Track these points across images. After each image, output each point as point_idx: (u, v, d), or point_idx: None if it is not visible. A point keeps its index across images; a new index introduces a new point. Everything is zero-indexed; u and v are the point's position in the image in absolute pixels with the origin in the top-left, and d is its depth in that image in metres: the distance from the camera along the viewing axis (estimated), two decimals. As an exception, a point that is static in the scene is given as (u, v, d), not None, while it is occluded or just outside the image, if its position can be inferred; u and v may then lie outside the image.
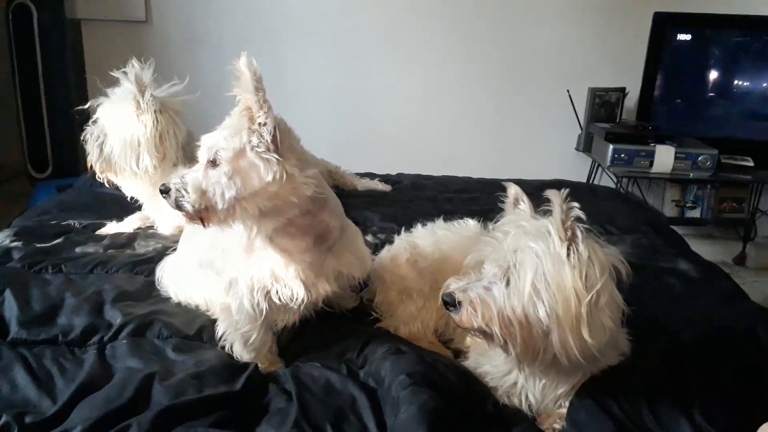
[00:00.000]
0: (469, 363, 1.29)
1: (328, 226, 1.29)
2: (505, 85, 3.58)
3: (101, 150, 1.86)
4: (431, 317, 1.45)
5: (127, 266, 1.72)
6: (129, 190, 1.99)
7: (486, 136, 3.66)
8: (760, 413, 1.05)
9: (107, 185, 1.98)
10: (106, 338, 1.38)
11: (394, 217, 2.09)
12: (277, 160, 1.15)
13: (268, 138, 1.14)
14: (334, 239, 1.32)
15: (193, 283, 1.52)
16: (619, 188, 3.21)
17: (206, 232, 1.25)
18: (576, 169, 3.54)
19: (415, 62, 3.55)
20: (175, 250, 1.65)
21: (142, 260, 1.75)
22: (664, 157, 3.09)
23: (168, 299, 1.56)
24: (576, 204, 1.05)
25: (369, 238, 1.88)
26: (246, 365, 1.28)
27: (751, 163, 3.24)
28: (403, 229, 1.64)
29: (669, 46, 3.25)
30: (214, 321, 1.40)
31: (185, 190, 1.17)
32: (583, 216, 1.05)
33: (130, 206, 2.07)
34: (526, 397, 1.19)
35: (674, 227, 2.35)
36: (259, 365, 1.30)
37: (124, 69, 1.85)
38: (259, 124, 1.14)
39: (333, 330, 1.44)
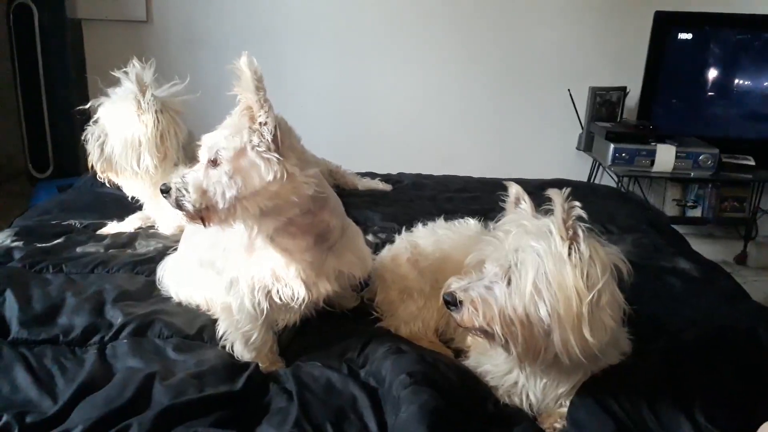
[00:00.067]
0: (470, 362, 1.29)
1: (329, 226, 1.29)
2: (505, 84, 3.57)
3: (102, 150, 1.87)
4: (432, 317, 1.45)
5: (128, 266, 1.72)
6: (130, 189, 1.99)
7: (487, 136, 3.66)
8: (761, 413, 1.05)
9: (108, 185, 1.98)
10: (106, 338, 1.38)
11: (394, 216, 2.09)
12: (278, 159, 1.15)
13: (269, 137, 1.14)
14: (335, 239, 1.32)
15: (193, 283, 1.52)
16: (620, 187, 3.21)
17: (207, 232, 1.25)
18: (577, 168, 3.54)
19: (415, 62, 3.55)
20: (175, 249, 1.66)
21: (142, 260, 1.75)
22: (665, 157, 3.09)
23: (169, 299, 1.56)
24: (577, 203, 1.05)
25: (370, 237, 1.88)
26: (247, 365, 1.28)
27: (752, 162, 3.23)
28: (403, 228, 1.64)
29: (670, 45, 3.24)
30: (215, 320, 1.40)
31: (186, 189, 1.17)
32: (584, 215, 1.05)
33: (131, 206, 2.07)
34: (527, 396, 1.19)
35: (675, 226, 2.35)
36: (260, 365, 1.30)
37: (124, 69, 1.85)
38: (260, 123, 1.14)
39: (334, 329, 1.44)
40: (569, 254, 1.03)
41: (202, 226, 1.20)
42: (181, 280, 1.56)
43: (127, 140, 1.83)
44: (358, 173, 2.57)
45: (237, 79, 1.14)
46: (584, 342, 1.03)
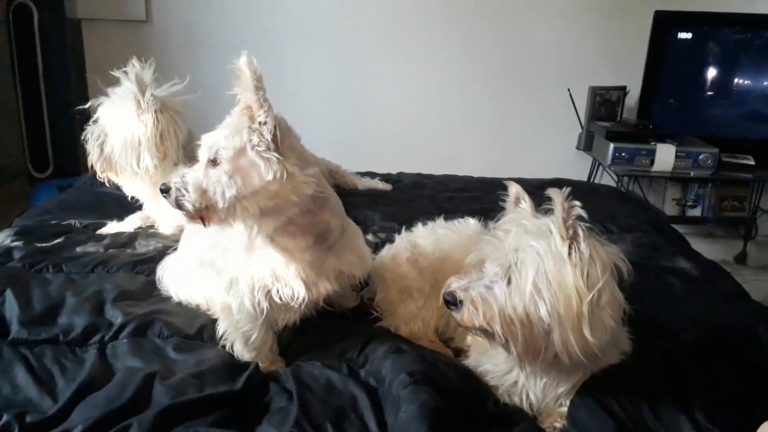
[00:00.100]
0: (470, 362, 1.29)
1: (329, 225, 1.29)
2: (505, 84, 3.57)
3: (102, 149, 1.86)
4: (432, 316, 1.45)
5: (128, 266, 1.72)
6: (130, 189, 1.99)
7: (486, 135, 3.66)
8: (761, 412, 1.05)
9: (108, 185, 1.98)
10: (106, 338, 1.38)
11: (394, 216, 2.09)
12: (278, 159, 1.15)
13: (269, 137, 1.14)
14: (335, 238, 1.32)
15: (193, 283, 1.52)
16: (619, 187, 3.21)
17: (207, 232, 1.25)
18: (577, 167, 3.54)
19: (415, 62, 3.55)
20: (175, 249, 1.66)
21: (142, 260, 1.75)
22: (665, 156, 3.09)
23: (169, 299, 1.56)
24: (577, 203, 1.05)
25: (369, 237, 1.88)
26: (247, 364, 1.28)
27: (752, 162, 3.24)
28: (403, 228, 1.64)
29: (670, 44, 3.24)
30: (215, 320, 1.40)
31: (186, 189, 1.17)
32: (584, 215, 1.05)
33: (131, 206, 2.07)
34: (527, 395, 1.19)
35: (675, 226, 2.35)
36: (260, 364, 1.30)
37: (124, 68, 1.85)
38: (260, 123, 1.14)
39: (334, 329, 1.44)
40: (569, 254, 1.03)
41: (202, 226, 1.20)
42: (180, 280, 1.56)
43: (127, 140, 1.83)
44: (358, 173, 2.57)
45: (236, 79, 1.14)
46: (584, 341, 1.03)
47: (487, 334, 1.08)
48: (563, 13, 3.46)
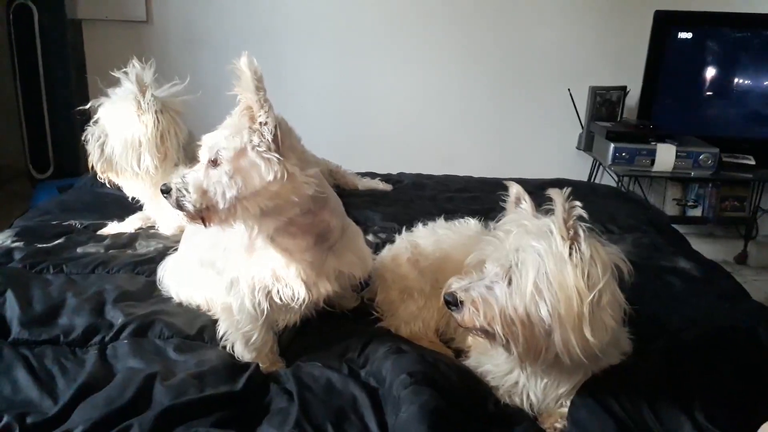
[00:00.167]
0: (471, 362, 1.29)
1: (329, 226, 1.29)
2: (505, 84, 3.57)
3: (102, 150, 1.87)
4: (432, 316, 1.45)
5: (129, 266, 1.72)
6: (130, 190, 1.99)
7: (487, 135, 3.66)
8: (761, 412, 1.05)
9: (108, 185, 1.98)
10: (107, 338, 1.38)
11: (395, 216, 2.09)
12: (278, 159, 1.15)
13: (269, 137, 1.14)
14: (335, 239, 1.32)
15: (194, 283, 1.52)
16: (620, 187, 3.21)
17: (207, 232, 1.25)
18: (577, 168, 3.54)
19: (415, 62, 3.55)
20: (176, 250, 1.66)
21: (143, 260, 1.75)
22: (665, 156, 3.09)
23: (169, 299, 1.57)
24: (578, 203, 1.04)
25: (370, 237, 1.88)
26: (247, 365, 1.28)
27: (752, 162, 3.23)
28: (404, 228, 1.64)
29: (670, 44, 3.24)
30: (215, 321, 1.40)
31: (186, 189, 1.17)
32: (585, 215, 1.05)
33: (131, 206, 2.08)
34: (528, 396, 1.19)
35: (675, 226, 2.34)
36: (260, 365, 1.30)
37: (124, 69, 1.85)
38: (260, 123, 1.14)
39: (334, 329, 1.44)
40: (570, 254, 1.03)
41: (203, 227, 1.20)
42: (181, 281, 1.56)
43: (128, 141, 1.84)
44: (359, 173, 2.57)
45: (237, 80, 1.14)
46: (585, 342, 1.03)
47: (488, 334, 1.08)
48: (563, 13, 3.46)
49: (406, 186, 2.57)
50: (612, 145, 3.09)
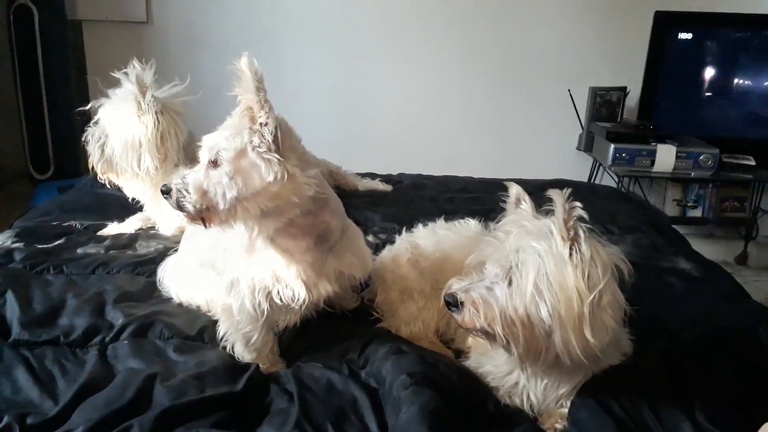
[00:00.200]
0: (471, 363, 1.29)
1: (330, 227, 1.29)
2: (505, 84, 3.58)
3: (102, 151, 1.87)
4: (432, 317, 1.45)
5: (129, 267, 1.72)
6: (130, 190, 2.00)
7: (487, 136, 3.66)
8: (761, 413, 1.05)
9: (108, 186, 1.98)
10: (107, 339, 1.38)
11: (395, 217, 2.09)
12: (279, 160, 1.15)
13: (270, 138, 1.14)
14: (336, 239, 1.32)
15: (194, 284, 1.52)
16: (620, 188, 3.21)
17: (207, 233, 1.25)
18: (577, 168, 3.54)
19: (415, 62, 3.55)
20: (176, 250, 1.66)
21: (143, 261, 1.75)
22: (666, 157, 3.09)
23: (169, 300, 1.56)
24: (578, 203, 1.04)
25: (370, 238, 1.88)
26: (247, 366, 1.28)
27: (752, 162, 3.24)
28: (404, 229, 1.64)
29: (670, 45, 3.24)
30: (216, 322, 1.40)
31: (186, 190, 1.17)
32: (585, 215, 1.05)
33: (132, 207, 2.08)
34: (528, 397, 1.19)
35: (676, 226, 2.35)
36: (261, 366, 1.30)
37: (125, 70, 1.85)
38: (261, 124, 1.14)
39: (334, 330, 1.44)
40: (570, 255, 1.03)
41: (203, 227, 1.20)
42: (181, 281, 1.56)
43: (128, 141, 1.84)
44: (359, 174, 2.57)
45: (237, 80, 1.14)
46: (585, 342, 1.03)
47: (488, 335, 1.08)
48: (563, 13, 3.46)
49: (406, 187, 2.57)
50: (612, 146, 3.09)
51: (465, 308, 1.09)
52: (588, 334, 1.02)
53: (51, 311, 1.45)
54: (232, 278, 1.31)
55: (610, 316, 1.06)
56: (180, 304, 1.55)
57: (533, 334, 1.04)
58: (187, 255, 1.57)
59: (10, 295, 1.48)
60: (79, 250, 1.81)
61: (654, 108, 3.32)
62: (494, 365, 1.23)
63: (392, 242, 1.62)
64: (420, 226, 1.61)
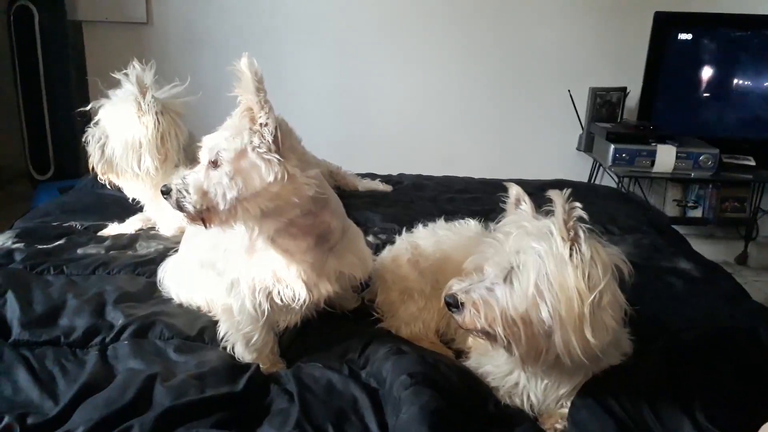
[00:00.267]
0: (471, 363, 1.29)
1: (330, 227, 1.29)
2: (505, 84, 3.58)
3: (103, 151, 1.87)
4: (432, 317, 1.45)
5: (129, 267, 1.72)
6: (130, 191, 2.00)
7: (487, 136, 3.66)
8: (761, 413, 1.05)
9: (109, 186, 1.98)
10: (107, 339, 1.38)
11: (395, 217, 2.09)
12: (279, 160, 1.15)
13: (270, 138, 1.14)
14: (336, 240, 1.32)
15: (194, 284, 1.52)
16: (620, 188, 3.21)
17: (208, 233, 1.25)
18: (577, 169, 3.54)
19: (415, 62, 3.55)
20: (176, 251, 1.66)
21: (143, 261, 1.76)
22: (666, 157, 3.09)
23: (169, 300, 1.57)
24: (578, 204, 1.04)
25: (370, 238, 1.88)
26: (247, 366, 1.28)
27: (752, 163, 3.24)
28: (404, 229, 1.64)
29: (670, 45, 3.24)
30: (216, 322, 1.40)
31: (186, 191, 1.17)
32: (585, 216, 1.05)
33: (132, 207, 2.08)
34: (528, 397, 1.19)
35: (676, 227, 2.35)
36: (261, 366, 1.30)
37: (125, 70, 1.86)
38: (261, 124, 1.14)
39: (334, 330, 1.44)
40: (570, 255, 1.03)
41: (203, 228, 1.20)
42: (181, 282, 1.56)
43: (128, 142, 1.84)
44: (359, 174, 2.57)
45: (237, 81, 1.14)
46: (586, 343, 1.03)
47: (489, 336, 1.08)
48: (563, 13, 3.46)
49: (406, 187, 2.57)
50: (612, 146, 3.09)
51: (465, 309, 1.09)
52: (588, 335, 1.02)
53: (51, 312, 1.45)
54: (233, 278, 1.31)
55: (611, 317, 1.06)
56: (180, 305, 1.55)
57: (534, 335, 1.04)
58: (188, 255, 1.57)
59: (10, 296, 1.48)
60: (80, 251, 1.81)
61: (654, 108, 3.32)
62: (494, 365, 1.23)
63: (392, 242, 1.62)
64: (420, 226, 1.61)
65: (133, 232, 2.00)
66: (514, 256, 1.06)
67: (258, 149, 1.14)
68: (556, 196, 1.05)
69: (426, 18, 3.48)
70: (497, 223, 1.19)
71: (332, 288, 1.33)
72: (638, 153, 3.10)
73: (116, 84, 1.87)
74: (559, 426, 1.14)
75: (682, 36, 3.26)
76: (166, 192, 1.19)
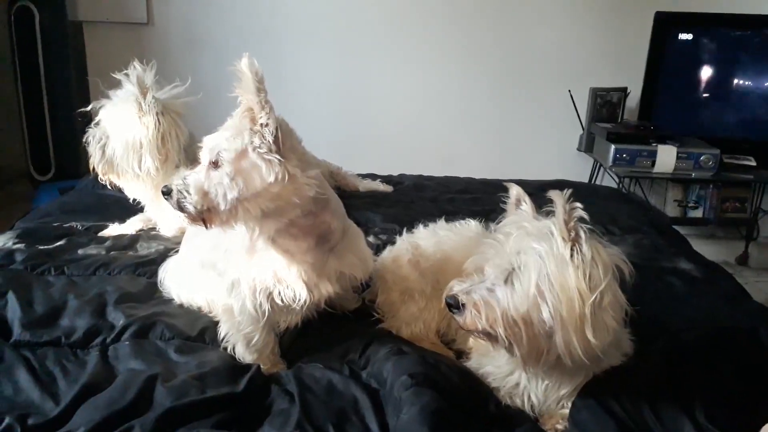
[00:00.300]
0: (472, 364, 1.29)
1: (330, 227, 1.29)
2: (506, 85, 3.58)
3: (103, 152, 1.87)
4: (433, 318, 1.45)
5: (130, 268, 1.72)
6: (131, 191, 2.00)
7: (487, 137, 3.66)
8: (762, 413, 1.05)
9: (109, 187, 1.98)
10: (108, 340, 1.38)
11: (395, 217, 2.09)
12: (279, 160, 1.15)
13: (270, 139, 1.14)
14: (336, 240, 1.32)
15: (195, 285, 1.52)
16: (621, 188, 3.21)
17: (208, 234, 1.25)
18: (577, 169, 3.54)
19: (415, 62, 3.55)
20: (177, 251, 1.66)
21: (144, 262, 1.76)
22: (666, 157, 3.09)
23: (170, 301, 1.57)
24: (579, 204, 1.04)
25: (371, 238, 1.88)
26: (248, 366, 1.28)
27: (753, 163, 3.23)
28: (404, 229, 1.64)
29: (670, 45, 3.24)
30: (217, 322, 1.40)
31: (187, 191, 1.17)
32: (585, 216, 1.05)
33: (133, 208, 2.08)
34: (529, 397, 1.19)
35: (676, 227, 2.34)
36: (262, 366, 1.30)
37: (125, 71, 1.86)
38: (261, 125, 1.14)
39: (335, 331, 1.44)
40: (571, 256, 1.03)
41: (204, 228, 1.20)
42: (182, 282, 1.56)
43: (129, 142, 1.84)
44: (359, 174, 2.58)
45: (238, 81, 1.14)
46: (587, 343, 1.03)
47: (490, 337, 1.08)
48: (563, 13, 3.46)
49: (406, 187, 2.57)
50: (613, 147, 3.09)
51: (466, 310, 1.09)
52: (589, 335, 1.02)
53: (52, 312, 1.46)
54: (233, 279, 1.31)
55: (612, 317, 1.06)
56: (181, 305, 1.55)
57: (535, 335, 1.04)
58: (188, 256, 1.57)
59: (11, 296, 1.49)
60: (80, 251, 1.81)
61: (654, 108, 3.32)
62: (495, 366, 1.23)
63: (393, 243, 1.62)
64: (421, 226, 1.61)
65: (133, 232, 2.00)
66: (514, 257, 1.06)
67: (259, 149, 1.14)
68: (557, 197, 1.05)
69: (426, 18, 3.48)
70: (498, 223, 1.19)
71: (333, 288, 1.33)
72: (639, 153, 3.10)
73: (117, 84, 1.87)
74: (559, 426, 1.14)
75: (683, 36, 3.26)
76: (166, 192, 1.19)
